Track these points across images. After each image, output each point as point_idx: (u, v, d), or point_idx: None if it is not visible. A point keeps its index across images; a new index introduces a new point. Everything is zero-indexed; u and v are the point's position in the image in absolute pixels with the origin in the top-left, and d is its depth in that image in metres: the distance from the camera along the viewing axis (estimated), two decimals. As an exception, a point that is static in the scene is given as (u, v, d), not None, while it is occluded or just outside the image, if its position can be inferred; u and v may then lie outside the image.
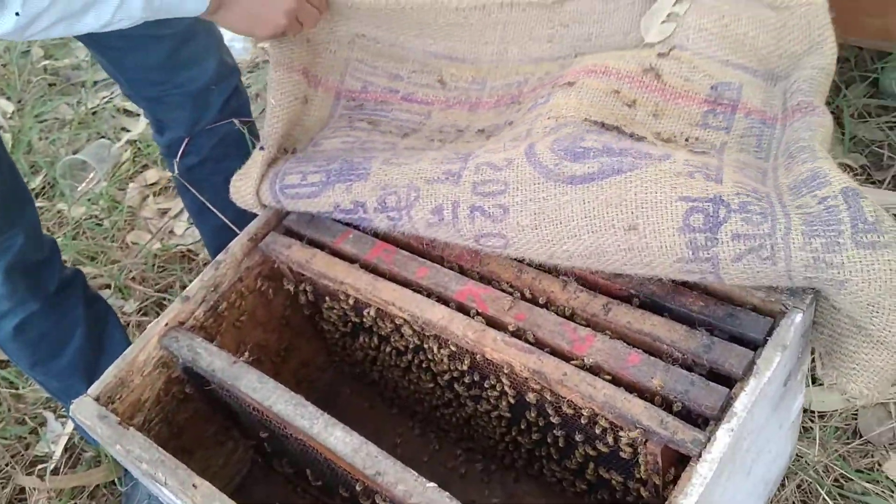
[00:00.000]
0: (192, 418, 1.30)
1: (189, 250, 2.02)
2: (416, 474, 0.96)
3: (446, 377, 1.20)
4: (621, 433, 0.98)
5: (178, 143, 1.55)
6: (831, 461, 1.32)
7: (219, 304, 1.27)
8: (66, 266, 1.47)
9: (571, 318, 1.06)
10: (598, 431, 1.02)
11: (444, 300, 1.13)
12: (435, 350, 1.16)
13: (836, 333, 1.00)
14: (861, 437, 1.38)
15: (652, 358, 0.98)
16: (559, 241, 1.02)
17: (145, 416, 1.23)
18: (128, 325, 1.87)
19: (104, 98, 2.55)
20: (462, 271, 1.16)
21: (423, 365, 1.23)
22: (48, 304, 1.41)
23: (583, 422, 1.02)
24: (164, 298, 1.94)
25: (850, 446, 1.36)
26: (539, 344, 1.04)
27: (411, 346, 1.22)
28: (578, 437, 1.06)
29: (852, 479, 1.31)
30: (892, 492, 1.30)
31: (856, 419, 1.40)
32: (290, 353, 1.44)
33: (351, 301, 1.23)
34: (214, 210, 1.57)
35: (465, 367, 1.13)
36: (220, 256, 1.28)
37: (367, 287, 1.17)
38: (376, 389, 1.44)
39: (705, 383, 0.94)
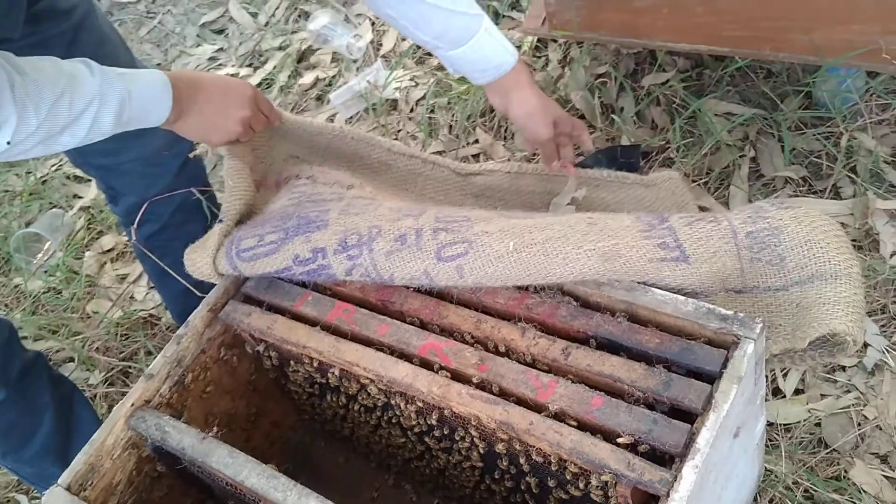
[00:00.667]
0: (167, 495, 1.30)
1: (151, 315, 2.01)
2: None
3: (416, 431, 1.21)
4: (591, 477, 1.00)
5: (135, 211, 1.55)
6: (799, 475, 1.35)
7: (184, 378, 1.26)
8: (27, 349, 1.46)
9: (533, 364, 1.08)
10: (568, 477, 1.03)
11: (406, 356, 1.14)
12: (402, 406, 1.17)
13: (798, 307, 1.07)
14: (826, 446, 1.41)
15: (614, 400, 1.00)
16: (526, 231, 1.11)
17: (119, 499, 1.22)
18: (94, 397, 1.86)
19: (53, 166, 2.53)
20: (422, 325, 1.18)
21: (393, 420, 1.24)
22: (13, 392, 1.40)
23: (553, 468, 1.04)
24: (130, 367, 1.92)
25: (816, 457, 1.39)
26: (504, 394, 1.06)
27: (379, 404, 1.23)
28: (551, 483, 1.08)
29: (819, 490, 1.34)
30: (860, 498, 1.33)
31: (819, 427, 1.43)
32: (260, 417, 1.44)
33: (315, 364, 1.24)
34: (176, 276, 1.57)
35: (433, 422, 1.15)
36: (181, 330, 1.28)
37: (330, 349, 1.18)
38: (349, 444, 1.45)
39: (668, 421, 0.96)
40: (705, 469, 0.93)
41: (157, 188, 1.52)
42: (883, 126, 1.74)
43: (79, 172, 2.47)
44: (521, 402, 1.04)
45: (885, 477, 1.35)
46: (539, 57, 2.18)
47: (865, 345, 1.49)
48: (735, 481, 1.13)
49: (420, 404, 1.15)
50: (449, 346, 1.12)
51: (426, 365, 1.12)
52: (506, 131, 2.10)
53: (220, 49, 2.76)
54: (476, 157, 2.07)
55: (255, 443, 1.43)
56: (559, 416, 1.01)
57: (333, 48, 2.53)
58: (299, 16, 2.71)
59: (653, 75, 1.95)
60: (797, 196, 1.73)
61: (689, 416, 0.97)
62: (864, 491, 1.33)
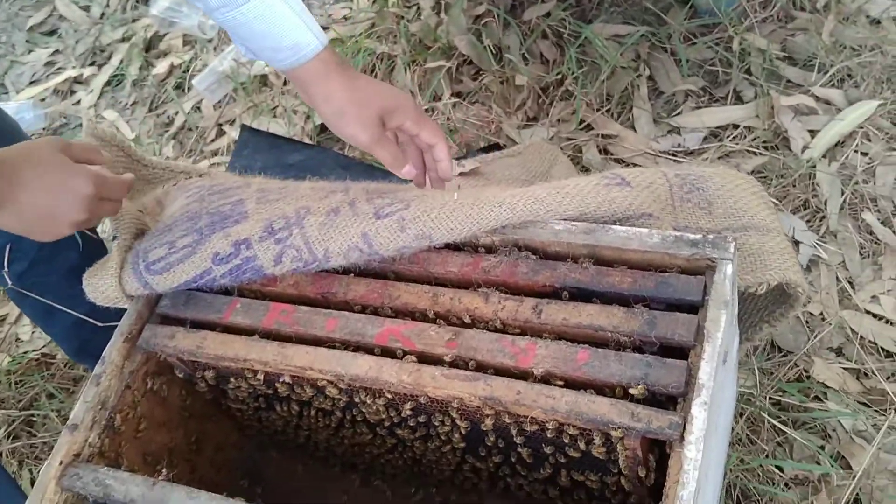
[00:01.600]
0: (118, 553, 1.15)
1: (44, 355, 1.80)
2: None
3: (386, 425, 1.12)
4: (594, 436, 0.94)
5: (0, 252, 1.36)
6: (765, 386, 1.35)
7: (112, 421, 1.11)
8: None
9: (504, 330, 1.00)
10: (566, 440, 0.97)
11: (364, 348, 1.04)
12: (368, 402, 1.07)
13: (739, 251, 1.05)
14: (781, 350, 1.41)
15: (600, 350, 0.93)
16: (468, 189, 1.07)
17: (66, 572, 1.07)
18: (0, 455, 1.66)
19: None
20: (374, 312, 1.08)
21: (358, 418, 1.14)
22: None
23: (549, 435, 0.97)
24: (33, 415, 1.72)
25: (773, 362, 1.39)
26: (481, 368, 0.98)
27: (340, 405, 1.12)
28: (547, 450, 1.01)
29: (786, 392, 1.35)
30: (825, 394, 1.34)
31: (772, 335, 1.43)
32: (202, 443, 1.30)
33: (260, 376, 1.12)
34: (65, 309, 1.39)
35: (407, 412, 1.05)
36: (97, 369, 1.12)
37: (276, 357, 1.06)
38: (305, 451, 1.34)
39: (662, 362, 0.90)
40: (712, 403, 0.88)
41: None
42: (769, 23, 1.74)
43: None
44: (500, 372, 0.96)
45: (845, 369, 1.36)
46: (410, 6, 2.07)
47: (796, 242, 1.50)
48: (726, 406, 1.10)
49: (389, 396, 1.05)
50: (409, 329, 1.02)
51: (389, 354, 1.02)
52: (391, 90, 1.99)
53: (56, 51, 2.50)
54: (365, 122, 1.95)
55: (202, 471, 1.30)
56: (546, 380, 0.94)
57: (183, 30, 2.33)
58: (138, 2, 2.48)
59: (534, 7, 1.88)
60: (700, 108, 1.71)
61: (680, 353, 0.92)
62: (829, 387, 1.33)
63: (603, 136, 1.71)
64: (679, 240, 0.97)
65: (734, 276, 0.95)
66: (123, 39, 2.41)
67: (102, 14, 2.51)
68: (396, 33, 2.02)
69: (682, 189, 1.10)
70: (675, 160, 1.62)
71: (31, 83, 2.46)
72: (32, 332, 1.86)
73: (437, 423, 1.06)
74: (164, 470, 1.05)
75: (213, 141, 2.10)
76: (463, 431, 1.06)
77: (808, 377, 1.36)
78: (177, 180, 1.36)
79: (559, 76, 1.80)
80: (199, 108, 2.17)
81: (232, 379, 1.16)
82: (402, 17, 2.04)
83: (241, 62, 2.12)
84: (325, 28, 2.13)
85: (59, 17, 2.59)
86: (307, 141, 1.90)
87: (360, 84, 1.09)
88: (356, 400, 1.08)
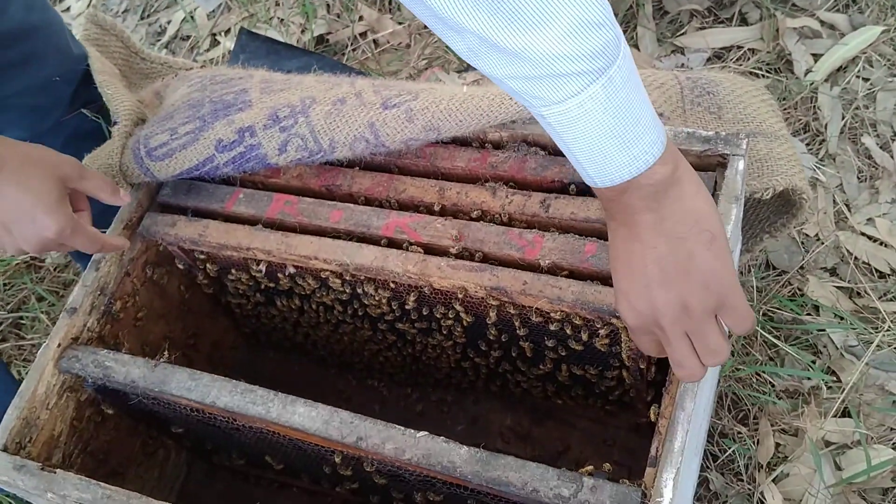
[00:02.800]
0: (115, 438, 1.16)
1: (32, 258, 1.78)
2: (403, 429, 0.89)
3: (388, 318, 1.12)
4: (598, 327, 0.95)
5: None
6: (761, 307, 1.36)
7: (111, 307, 1.11)
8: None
9: (510, 224, 1.00)
10: (569, 332, 0.97)
11: (370, 240, 1.03)
12: (372, 294, 1.07)
13: (754, 159, 1.06)
14: (775, 268, 1.43)
15: (607, 243, 0.94)
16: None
17: (63, 452, 1.08)
18: (-14, 356, 1.65)
19: None
20: (379, 205, 1.07)
21: (360, 313, 1.14)
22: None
23: (552, 327, 0.97)
24: (21, 317, 1.71)
25: (768, 279, 1.40)
26: (487, 260, 0.98)
27: (343, 297, 1.12)
28: (549, 343, 1.02)
29: (780, 310, 1.36)
30: (818, 310, 1.36)
31: (764, 252, 1.44)
32: (199, 339, 1.30)
33: (262, 267, 1.11)
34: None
35: (410, 306, 1.05)
36: (96, 255, 1.11)
37: (280, 247, 1.05)
38: (302, 351, 1.34)
39: (670, 254, 0.91)
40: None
41: (50, 120, 1.29)
42: (778, -54, 1.72)
43: None
44: (507, 264, 0.96)
45: (837, 288, 1.38)
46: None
47: (795, 165, 1.50)
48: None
49: (393, 286, 1.05)
50: (415, 221, 1.02)
51: (394, 246, 1.02)
52: (390, 3, 1.95)
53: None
54: (363, 35, 1.92)
55: (199, 367, 1.29)
56: (552, 271, 0.94)
57: (176, -63, 2.26)
58: None
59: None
60: (705, 28, 1.70)
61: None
62: (822, 305, 1.35)
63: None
64: (691, 136, 0.97)
65: (745, 172, 0.95)
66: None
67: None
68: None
69: (692, 92, 1.09)
70: (710, 69, 1.61)
71: (17, -12, 2.38)
72: (21, 236, 1.84)
73: (439, 316, 1.06)
74: (166, 353, 1.04)
75: (206, 51, 2.06)
76: (465, 324, 1.06)
77: (801, 294, 1.37)
78: (175, 74, 1.33)
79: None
80: (192, 16, 2.12)
81: (233, 270, 1.16)
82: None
83: (236, -30, 2.07)
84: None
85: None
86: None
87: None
88: (359, 291, 1.08)
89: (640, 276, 0.76)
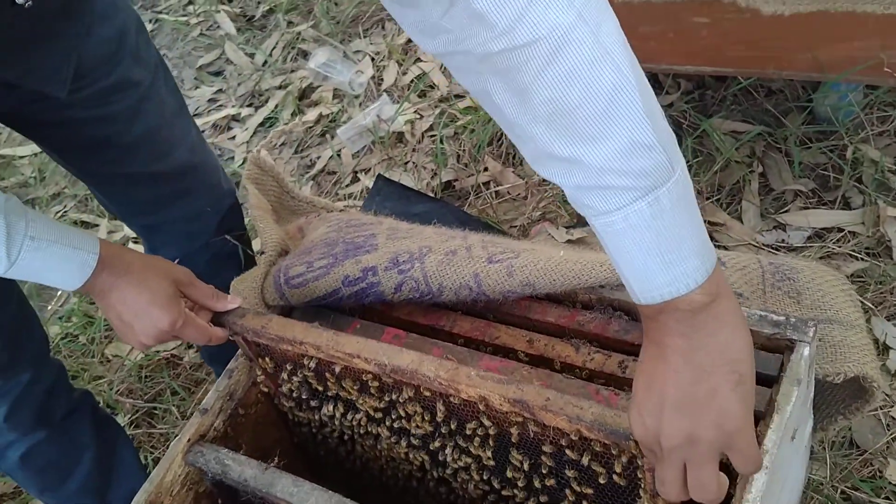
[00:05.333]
0: (223, 530, 1.30)
1: (173, 356, 2.01)
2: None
3: (420, 432, 1.18)
4: (616, 454, 0.97)
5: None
6: (836, 478, 1.39)
7: (236, 412, 1.27)
8: (75, 388, 1.46)
9: (590, 379, 1.11)
10: (586, 461, 1.00)
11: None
12: (407, 401, 1.14)
13: (821, 341, 1.12)
14: (858, 447, 1.45)
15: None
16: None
17: (178, 536, 1.22)
18: (121, 440, 1.85)
19: (58, 213, 2.53)
20: (475, 346, 1.20)
21: (395, 426, 1.21)
22: (55, 432, 1.40)
23: (573, 455, 1.01)
24: (155, 408, 1.92)
25: (850, 459, 1.43)
26: (563, 409, 1.08)
27: (381, 406, 1.19)
28: (570, 473, 1.05)
29: (857, 490, 1.38)
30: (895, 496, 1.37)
31: (850, 431, 1.47)
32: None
33: (313, 363, 1.20)
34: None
35: (440, 416, 1.11)
36: (231, 364, 1.29)
37: (329, 343, 1.13)
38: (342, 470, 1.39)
39: (731, 425, 0.99)
40: (773, 471, 0.95)
41: (198, 243, 1.53)
42: (885, 137, 1.80)
43: (86, 217, 2.48)
44: (582, 416, 1.06)
45: (920, 474, 1.38)
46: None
47: (887, 348, 1.54)
48: (789, 485, 1.16)
49: (427, 395, 1.11)
50: (504, 366, 1.14)
51: (483, 385, 1.14)
52: (514, 158, 2.14)
53: (220, 90, 2.79)
54: (486, 184, 2.11)
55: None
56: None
57: (334, 85, 2.57)
58: (298, 55, 2.75)
59: (659, 97, 2.01)
60: (808, 209, 1.78)
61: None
62: (902, 489, 1.36)
63: (710, 222, 1.80)
64: (763, 319, 1.06)
65: (810, 358, 1.03)
66: (281, 87, 2.67)
67: (265, 62, 2.79)
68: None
69: (774, 276, 1.19)
70: (776, 254, 1.70)
71: (194, 115, 2.74)
72: (166, 334, 2.07)
73: (468, 433, 1.11)
74: (276, 459, 1.18)
75: (347, 186, 2.30)
76: (492, 443, 1.10)
77: (881, 477, 1.39)
78: (318, 213, 1.54)
79: (674, 163, 1.91)
80: (339, 154, 2.38)
81: (287, 366, 1.24)
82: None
83: (382, 118, 2.33)
84: (460, 96, 2.33)
85: (226, 61, 2.89)
86: (432, 195, 2.07)
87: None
88: (395, 399, 1.15)
89: (658, 394, 0.78)
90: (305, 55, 2.71)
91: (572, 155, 0.73)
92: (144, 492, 1.18)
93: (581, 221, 1.88)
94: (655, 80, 2.05)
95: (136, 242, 2.29)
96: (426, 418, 1.17)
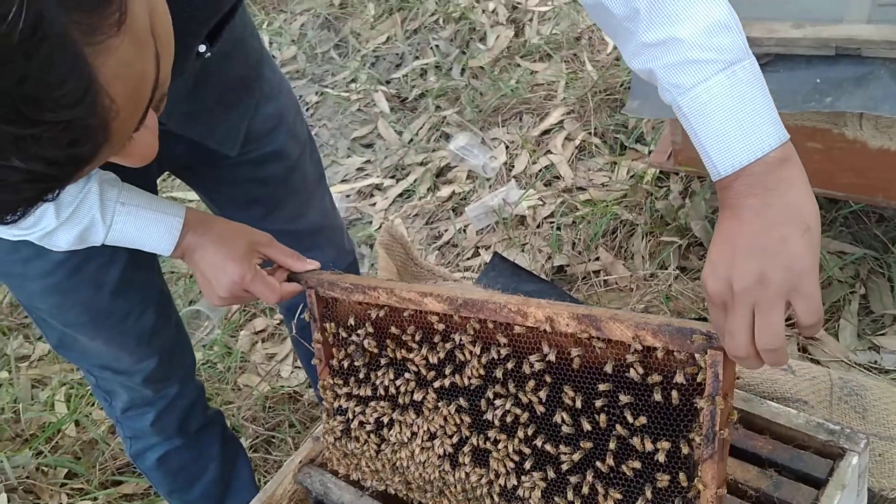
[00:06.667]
0: (318, 546, 1.48)
1: (295, 392, 2.24)
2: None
3: (476, 378, 1.17)
4: (681, 363, 0.96)
5: (295, 306, 1.79)
6: None
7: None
8: (210, 407, 1.69)
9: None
10: (646, 375, 0.99)
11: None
12: (468, 344, 1.16)
13: (881, 457, 1.20)
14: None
15: (728, 495, 1.14)
16: None
17: (280, 545, 1.41)
18: (240, 461, 2.08)
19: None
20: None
21: (445, 384, 1.20)
22: (189, 441, 1.63)
23: (633, 374, 1.00)
24: (273, 436, 2.14)
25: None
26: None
27: (440, 356, 1.20)
28: (624, 399, 1.02)
29: None
30: None
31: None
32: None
33: (382, 312, 1.25)
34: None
35: (502, 350, 1.12)
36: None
37: (402, 290, 1.22)
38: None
39: (777, 520, 1.09)
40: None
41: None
42: None
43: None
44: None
45: None
46: (661, 187, 2.38)
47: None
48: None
49: (491, 326, 1.14)
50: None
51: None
52: (625, 251, 2.29)
53: (368, 161, 3.08)
54: (596, 273, 2.26)
55: None
56: None
57: (469, 166, 2.80)
58: (441, 136, 3.01)
59: (769, 211, 2.12)
60: (906, 334, 1.83)
61: (796, 518, 1.09)
62: None
63: (806, 336, 1.88)
64: (820, 426, 1.16)
65: (859, 466, 1.12)
66: (422, 163, 2.93)
67: (411, 140, 3.07)
68: (643, 206, 2.33)
69: (842, 390, 1.28)
70: (866, 374, 1.75)
71: (342, 181, 3.04)
72: (291, 373, 2.31)
73: (526, 371, 1.10)
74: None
75: (468, 259, 2.51)
76: (548, 379, 1.09)
77: None
78: (435, 281, 1.74)
79: (777, 275, 2.01)
80: (464, 230, 2.60)
81: (350, 321, 1.30)
82: (651, 194, 2.35)
83: (507, 201, 2.53)
84: (582, 188, 2.50)
85: (377, 135, 3.19)
86: (543, 277, 2.24)
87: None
88: (456, 340, 1.17)
89: (730, 246, 0.84)
90: (447, 137, 2.97)
91: (666, 36, 0.87)
92: (258, 500, 1.38)
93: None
94: (769, 195, 2.15)
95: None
96: (482, 361, 1.15)
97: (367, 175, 3.02)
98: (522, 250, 2.41)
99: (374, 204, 2.87)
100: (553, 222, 2.43)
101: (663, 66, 0.88)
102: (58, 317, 1.38)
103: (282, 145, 1.49)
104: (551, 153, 2.71)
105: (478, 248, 2.53)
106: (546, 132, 2.81)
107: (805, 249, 0.81)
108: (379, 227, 2.66)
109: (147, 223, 1.18)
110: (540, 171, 2.66)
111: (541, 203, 2.55)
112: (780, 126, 0.85)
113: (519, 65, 3.11)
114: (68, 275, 1.29)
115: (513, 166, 2.75)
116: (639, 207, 2.35)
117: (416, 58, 3.36)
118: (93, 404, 2.34)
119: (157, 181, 1.41)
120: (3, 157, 0.52)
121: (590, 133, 2.70)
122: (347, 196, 2.93)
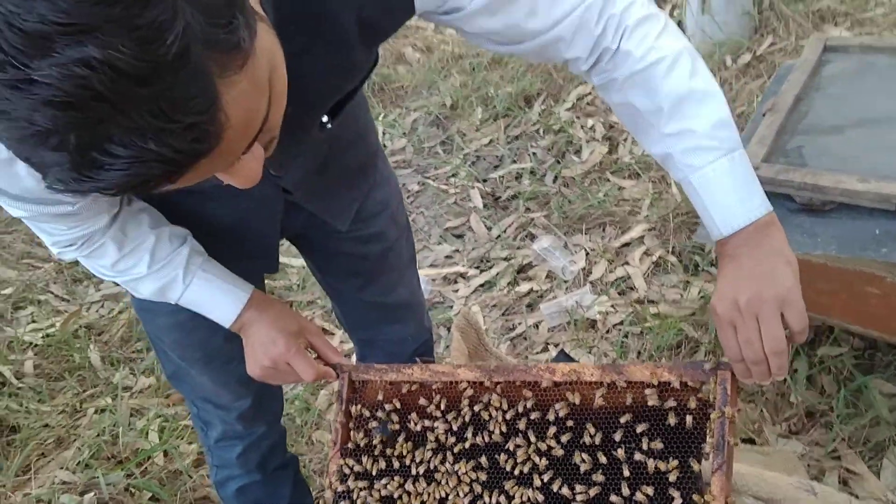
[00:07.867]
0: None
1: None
2: None
3: (492, 442, 1.31)
4: (691, 391, 1.18)
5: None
6: None
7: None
8: (288, 451, 1.90)
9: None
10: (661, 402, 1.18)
11: None
12: (494, 401, 1.30)
13: None
14: None
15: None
16: None
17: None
18: (303, 509, 2.26)
19: (308, 316, 3.11)
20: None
21: (465, 447, 1.32)
22: (267, 478, 1.83)
23: (651, 402, 1.18)
24: (336, 491, 2.32)
25: None
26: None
27: (466, 420, 1.33)
28: (640, 428, 1.19)
29: None
30: None
31: None
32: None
33: (414, 387, 1.40)
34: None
35: (529, 402, 1.26)
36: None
37: (434, 367, 1.39)
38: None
39: None
40: None
41: (397, 361, 1.93)
42: None
43: (326, 325, 3.03)
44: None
45: None
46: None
47: None
48: None
49: (519, 383, 1.29)
50: None
51: None
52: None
53: (456, 250, 3.31)
54: (657, 383, 2.39)
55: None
56: None
57: (550, 267, 3.00)
58: (526, 236, 3.23)
59: (827, 347, 2.23)
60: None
61: None
62: None
63: (847, 469, 1.96)
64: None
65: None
66: (505, 259, 3.14)
67: (498, 235, 3.30)
68: (708, 327, 2.46)
69: None
70: (901, 513, 1.83)
71: (431, 265, 3.27)
72: (360, 435, 2.50)
73: (550, 418, 1.25)
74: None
75: (537, 353, 2.68)
76: (570, 424, 1.24)
77: None
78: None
79: (828, 407, 2.10)
80: (537, 326, 2.77)
81: (378, 398, 1.45)
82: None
83: (581, 305, 2.71)
84: (653, 301, 2.66)
85: (468, 228, 3.43)
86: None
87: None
88: (483, 401, 1.32)
89: (732, 279, 1.12)
90: (533, 238, 3.18)
91: (683, 128, 1.13)
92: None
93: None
94: (829, 329, 2.26)
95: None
96: (507, 417, 1.29)
97: (453, 263, 3.24)
98: (589, 352, 2.57)
99: (457, 290, 3.09)
100: (622, 329, 2.59)
101: (680, 151, 1.14)
102: (176, 350, 1.60)
103: (384, 228, 1.70)
104: (628, 264, 2.88)
105: (547, 344, 2.70)
106: (626, 244, 2.99)
107: (790, 274, 1.10)
108: (458, 312, 2.86)
109: (218, 292, 1.35)
110: (615, 280, 2.83)
111: (612, 310, 2.71)
112: (766, 200, 1.13)
113: (608, 179, 3.32)
114: (192, 315, 1.47)
115: (590, 272, 2.93)
116: (704, 327, 2.49)
117: (514, 161, 3.62)
118: (182, 437, 2.58)
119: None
120: (144, 140, 0.66)
121: (667, 251, 2.87)
122: (433, 280, 3.16)
